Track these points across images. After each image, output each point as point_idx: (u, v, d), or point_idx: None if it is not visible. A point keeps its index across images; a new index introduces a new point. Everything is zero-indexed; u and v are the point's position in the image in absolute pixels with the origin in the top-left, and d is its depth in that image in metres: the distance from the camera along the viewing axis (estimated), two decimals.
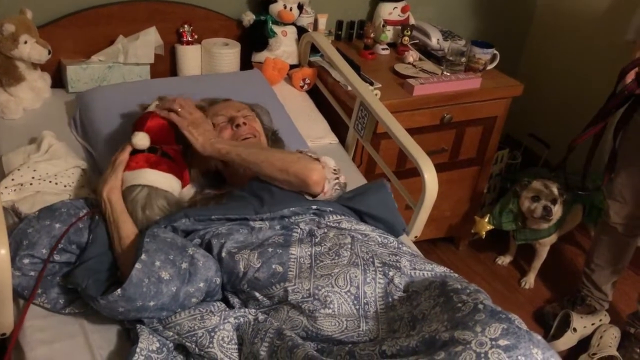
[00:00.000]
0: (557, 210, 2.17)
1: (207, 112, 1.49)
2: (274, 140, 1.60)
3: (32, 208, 1.34)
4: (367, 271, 1.19)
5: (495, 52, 2.18)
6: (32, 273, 1.22)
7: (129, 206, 1.30)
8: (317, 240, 1.26)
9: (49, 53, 1.68)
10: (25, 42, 1.62)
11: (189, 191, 1.46)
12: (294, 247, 1.23)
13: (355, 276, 1.17)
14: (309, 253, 1.22)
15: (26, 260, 1.21)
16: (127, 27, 1.87)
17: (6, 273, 1.07)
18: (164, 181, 1.35)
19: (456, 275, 1.25)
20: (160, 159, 1.36)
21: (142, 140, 1.35)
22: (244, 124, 1.47)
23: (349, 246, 1.24)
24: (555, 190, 2.16)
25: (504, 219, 2.24)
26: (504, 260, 2.50)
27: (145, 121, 1.38)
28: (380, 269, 1.20)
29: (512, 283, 2.42)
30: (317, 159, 1.37)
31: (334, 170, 1.40)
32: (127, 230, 1.26)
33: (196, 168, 1.48)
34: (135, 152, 1.35)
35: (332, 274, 1.17)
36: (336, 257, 1.21)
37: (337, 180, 1.39)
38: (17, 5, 1.69)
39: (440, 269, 1.26)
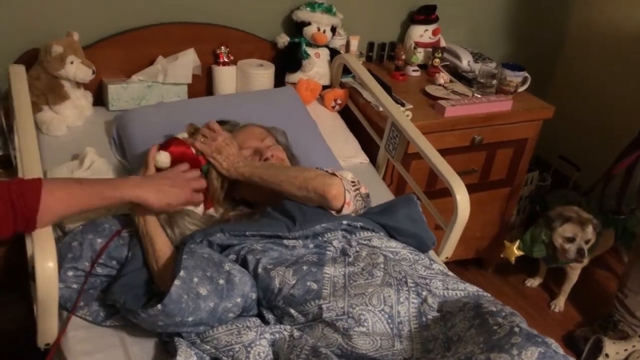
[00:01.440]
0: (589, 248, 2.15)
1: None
2: (291, 159, 1.62)
3: (75, 222, 1.39)
4: (401, 291, 1.20)
5: (527, 74, 2.19)
6: (75, 286, 1.26)
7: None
8: (350, 259, 1.28)
9: (93, 73, 1.75)
10: (72, 63, 1.69)
11: (218, 210, 1.50)
12: (327, 267, 1.25)
13: (389, 296, 1.19)
14: (343, 273, 1.24)
15: (70, 273, 1.26)
16: (166, 48, 1.93)
17: (53, 286, 1.10)
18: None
19: (489, 295, 1.26)
20: None
21: (163, 158, 1.39)
22: (272, 156, 1.50)
23: (382, 266, 1.26)
24: (590, 232, 2.13)
25: (535, 248, 2.22)
26: (534, 282, 2.49)
27: (170, 144, 1.43)
28: (414, 289, 1.21)
29: (542, 306, 2.40)
30: (334, 174, 1.40)
31: (353, 182, 1.42)
32: (161, 243, 1.30)
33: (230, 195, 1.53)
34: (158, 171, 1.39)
35: (366, 294, 1.19)
36: (370, 277, 1.23)
37: (357, 191, 1.41)
38: (65, 28, 1.76)
39: (472, 289, 1.27)
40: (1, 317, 1.79)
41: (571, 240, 2.13)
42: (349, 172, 1.47)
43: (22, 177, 1.27)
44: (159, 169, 1.38)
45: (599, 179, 2.18)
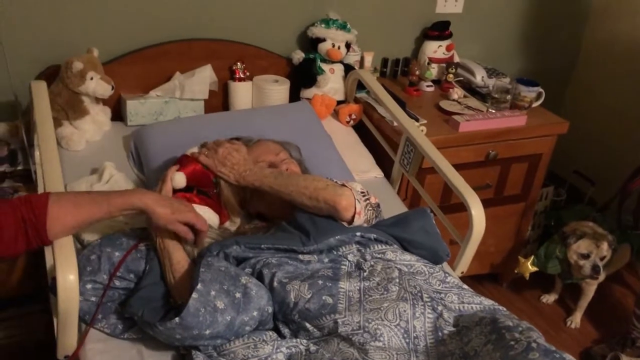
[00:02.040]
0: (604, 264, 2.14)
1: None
2: (304, 173, 1.63)
3: (94, 235, 1.41)
4: (416, 305, 1.20)
5: (541, 90, 2.19)
6: (94, 298, 1.28)
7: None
8: (365, 274, 1.28)
9: (112, 88, 1.78)
10: (92, 79, 1.72)
11: (234, 223, 1.51)
12: (343, 281, 1.25)
13: (404, 310, 1.19)
14: (358, 287, 1.25)
15: (89, 286, 1.27)
16: (183, 64, 1.96)
17: (74, 298, 1.12)
18: (200, 213, 1.39)
19: (505, 309, 1.26)
20: (195, 195, 1.43)
21: (179, 179, 1.42)
22: (287, 170, 1.52)
23: (397, 280, 1.26)
24: (605, 248, 2.12)
25: (550, 264, 2.20)
26: (549, 298, 2.47)
27: (181, 163, 1.46)
28: (429, 304, 1.22)
29: (558, 322, 2.38)
30: (344, 185, 1.40)
31: (362, 192, 1.42)
32: (178, 256, 1.31)
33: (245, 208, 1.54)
34: (174, 192, 1.42)
35: (382, 308, 1.19)
36: (385, 292, 1.23)
37: (367, 201, 1.41)
38: (85, 44, 1.80)
39: (488, 302, 1.27)
40: (20, 330, 1.81)
41: (586, 256, 2.11)
42: (358, 183, 1.47)
43: (42, 191, 1.29)
44: (175, 190, 1.41)
45: (615, 194, 2.17)
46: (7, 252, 1.14)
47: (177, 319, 1.12)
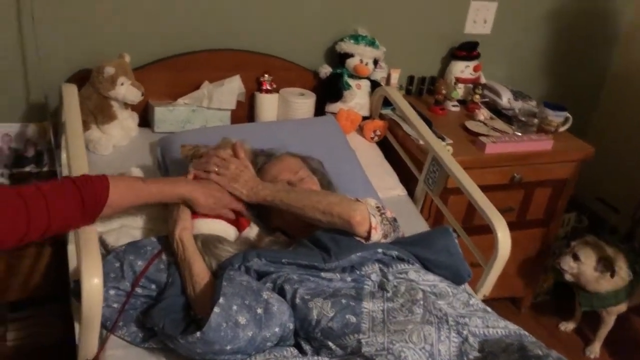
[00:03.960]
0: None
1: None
2: (327, 187, 1.60)
3: (118, 240, 1.41)
4: (441, 329, 1.18)
5: (568, 115, 2.17)
6: (116, 305, 1.27)
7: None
8: (388, 295, 1.26)
9: (142, 95, 1.79)
10: (122, 84, 1.74)
11: (252, 231, 1.51)
12: (366, 301, 1.23)
13: (429, 334, 1.17)
14: (382, 308, 1.23)
15: (112, 292, 1.27)
16: (212, 73, 1.97)
17: (98, 303, 1.11)
18: (215, 227, 1.40)
19: (530, 336, 1.23)
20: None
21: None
22: None
23: (422, 302, 1.24)
24: (611, 252, 2.12)
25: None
26: (568, 326, 2.43)
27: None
28: (454, 327, 1.20)
29: (576, 351, 2.33)
30: (358, 200, 1.38)
31: (377, 207, 1.40)
32: (199, 268, 1.30)
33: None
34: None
35: (406, 330, 1.17)
36: (409, 314, 1.21)
37: (383, 215, 1.39)
38: (116, 49, 1.81)
39: (513, 327, 1.24)
40: (37, 330, 1.81)
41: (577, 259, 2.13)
42: (372, 199, 1.45)
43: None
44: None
45: (638, 221, 2.13)
46: (62, 230, 1.19)
47: (198, 333, 1.11)
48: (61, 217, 1.12)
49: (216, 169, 1.44)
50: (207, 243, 1.36)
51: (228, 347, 1.12)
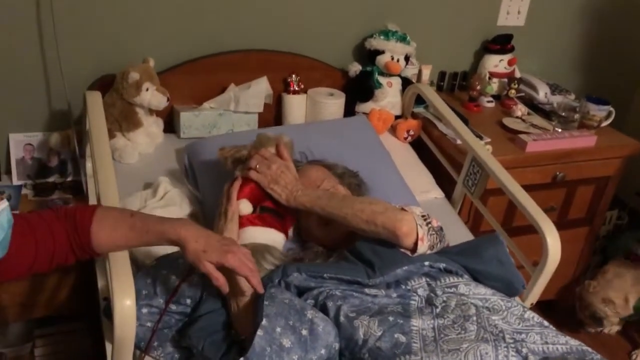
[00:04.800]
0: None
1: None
2: (355, 191, 1.54)
3: (148, 254, 1.35)
4: (499, 347, 1.10)
5: (611, 109, 2.07)
6: (149, 324, 1.20)
7: None
8: (438, 311, 1.18)
9: (168, 100, 1.72)
10: (147, 90, 1.67)
11: (292, 244, 1.44)
12: (415, 318, 1.15)
13: (487, 353, 1.08)
14: (432, 326, 1.15)
15: (144, 310, 1.20)
16: (238, 75, 1.90)
17: (131, 324, 1.05)
18: (264, 236, 1.33)
19: (595, 352, 1.15)
20: (256, 217, 1.35)
21: (245, 207, 1.34)
22: None
23: (475, 319, 1.16)
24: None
25: None
26: (612, 328, 2.32)
27: (240, 187, 1.37)
28: (512, 345, 1.11)
29: (622, 355, 2.23)
30: (403, 209, 1.31)
31: (423, 216, 1.32)
32: (242, 285, 1.23)
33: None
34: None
35: (461, 349, 1.09)
36: (462, 332, 1.13)
37: (429, 225, 1.31)
38: (139, 54, 1.75)
39: (574, 342, 1.16)
40: (65, 347, 1.76)
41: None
42: (417, 207, 1.37)
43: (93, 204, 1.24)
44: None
45: None
46: (62, 264, 1.10)
47: (241, 359, 1.03)
48: (60, 244, 1.07)
49: (257, 166, 1.37)
50: (255, 253, 1.27)
51: None
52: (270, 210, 1.38)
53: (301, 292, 1.23)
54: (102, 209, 1.13)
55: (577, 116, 2.04)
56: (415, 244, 1.26)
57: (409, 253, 1.28)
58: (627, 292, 1.93)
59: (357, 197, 1.46)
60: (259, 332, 1.04)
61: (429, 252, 1.30)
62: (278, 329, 1.07)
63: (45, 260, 1.06)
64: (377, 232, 1.27)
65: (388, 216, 1.26)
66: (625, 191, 2.67)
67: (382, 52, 1.99)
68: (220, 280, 1.10)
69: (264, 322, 1.06)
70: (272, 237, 1.33)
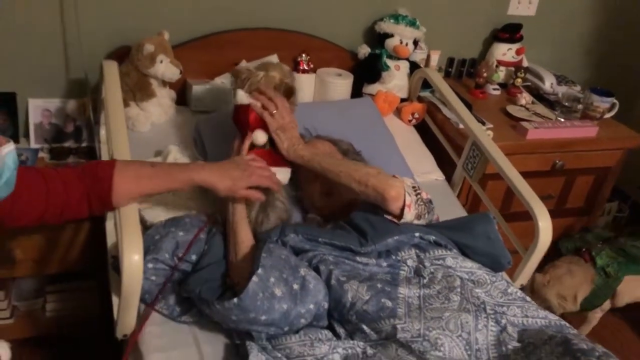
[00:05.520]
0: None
1: None
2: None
3: (157, 216, 1.42)
4: (479, 317, 1.16)
5: (615, 101, 2.10)
6: (154, 278, 1.27)
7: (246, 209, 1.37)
8: (425, 281, 1.24)
9: (180, 73, 1.78)
10: (161, 62, 1.73)
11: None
12: (402, 287, 1.22)
13: (467, 322, 1.15)
14: (418, 294, 1.21)
15: (150, 265, 1.27)
16: (249, 52, 1.95)
17: (138, 279, 1.11)
18: (284, 176, 1.42)
19: (571, 327, 1.20)
20: (271, 152, 1.44)
21: (262, 138, 1.43)
22: None
23: (459, 290, 1.22)
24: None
25: None
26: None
27: (249, 116, 1.42)
28: (492, 316, 1.17)
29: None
30: (395, 176, 1.35)
31: (413, 186, 1.36)
32: (243, 236, 1.31)
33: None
34: (251, 148, 1.43)
35: (443, 317, 1.15)
36: (446, 301, 1.19)
37: (419, 196, 1.35)
38: (156, 27, 1.81)
39: (553, 317, 1.22)
40: (73, 304, 1.85)
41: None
42: (409, 179, 1.43)
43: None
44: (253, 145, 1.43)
45: None
46: (73, 217, 1.17)
47: (235, 299, 1.11)
48: (73, 196, 1.13)
49: (274, 111, 1.43)
50: (267, 205, 1.39)
51: (262, 317, 1.12)
52: (273, 145, 1.46)
53: (296, 253, 1.30)
54: (122, 162, 1.21)
55: (580, 106, 2.08)
56: (402, 209, 1.30)
57: (396, 220, 1.32)
58: (577, 289, 1.97)
59: (354, 161, 1.51)
60: (254, 279, 1.12)
61: (416, 221, 1.35)
62: (272, 279, 1.14)
63: (57, 210, 1.12)
64: (366, 193, 1.32)
65: (379, 179, 1.31)
66: (628, 184, 2.70)
67: (391, 36, 2.04)
68: (256, 194, 1.33)
69: (259, 270, 1.13)
70: (282, 175, 1.41)
